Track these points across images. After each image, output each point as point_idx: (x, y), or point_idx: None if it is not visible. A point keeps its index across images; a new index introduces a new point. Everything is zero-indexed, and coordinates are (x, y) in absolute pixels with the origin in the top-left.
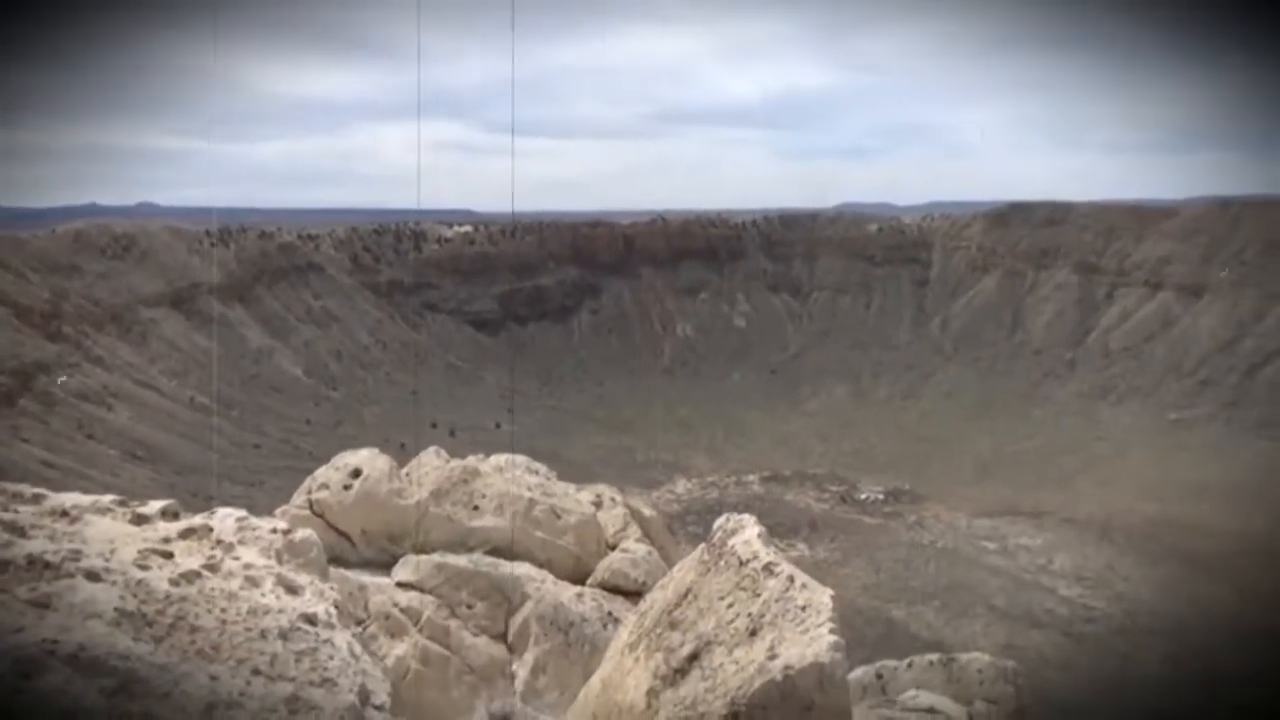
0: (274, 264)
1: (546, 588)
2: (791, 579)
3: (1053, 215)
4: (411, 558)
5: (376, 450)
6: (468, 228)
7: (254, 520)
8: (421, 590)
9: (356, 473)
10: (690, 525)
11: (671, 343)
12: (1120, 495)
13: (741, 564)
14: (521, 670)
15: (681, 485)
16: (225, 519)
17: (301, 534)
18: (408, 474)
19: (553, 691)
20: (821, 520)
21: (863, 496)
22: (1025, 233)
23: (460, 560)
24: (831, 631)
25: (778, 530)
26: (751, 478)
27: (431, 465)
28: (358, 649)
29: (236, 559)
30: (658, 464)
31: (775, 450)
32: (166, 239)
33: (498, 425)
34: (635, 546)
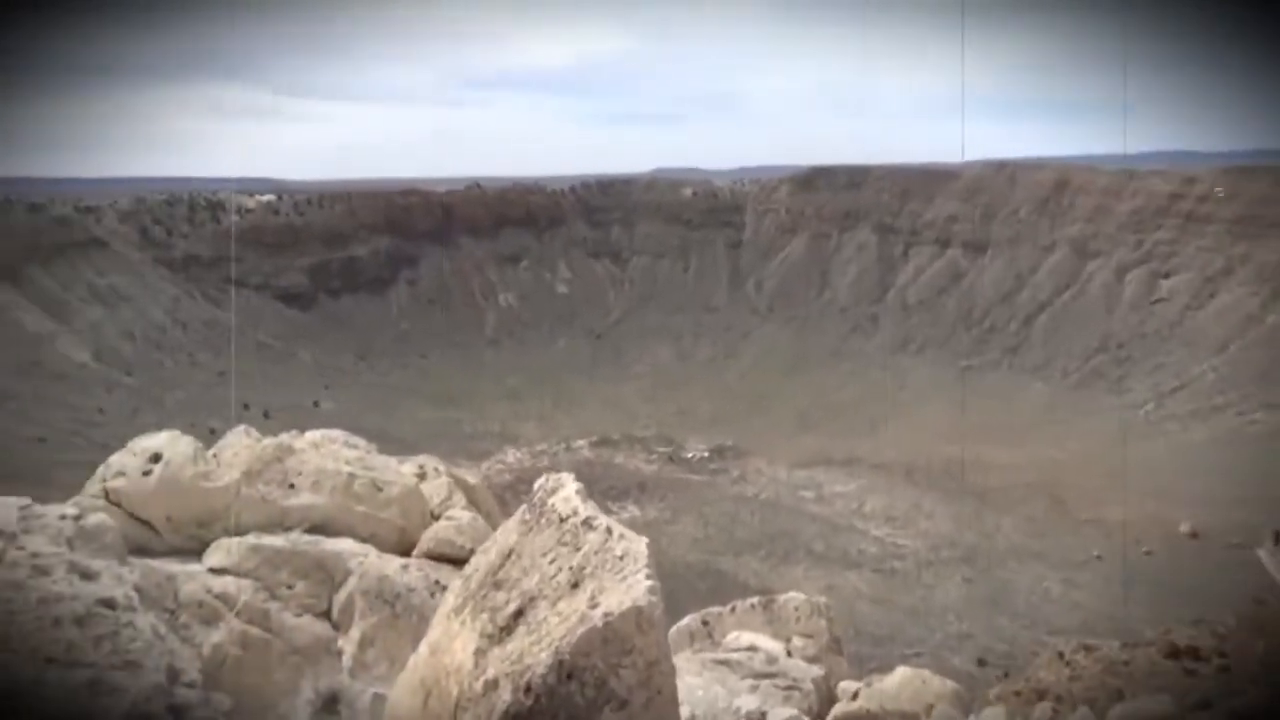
0: (48, 240)
1: (370, 561)
2: (610, 531)
3: (852, 178)
4: (224, 541)
5: (178, 432)
6: (270, 197)
7: (39, 508)
8: (237, 574)
9: (156, 457)
10: (522, 494)
11: (495, 312)
12: (921, 439)
13: (561, 521)
14: (348, 646)
15: (511, 455)
16: (6, 509)
17: (94, 518)
18: (215, 455)
19: (381, 664)
20: (651, 481)
21: (689, 455)
22: (829, 196)
23: (277, 540)
24: (648, 577)
25: (609, 493)
26: (581, 443)
27: (241, 445)
28: (163, 630)
29: (21, 549)
30: (487, 435)
31: (603, 415)
32: None
33: (316, 404)
34: (460, 514)
